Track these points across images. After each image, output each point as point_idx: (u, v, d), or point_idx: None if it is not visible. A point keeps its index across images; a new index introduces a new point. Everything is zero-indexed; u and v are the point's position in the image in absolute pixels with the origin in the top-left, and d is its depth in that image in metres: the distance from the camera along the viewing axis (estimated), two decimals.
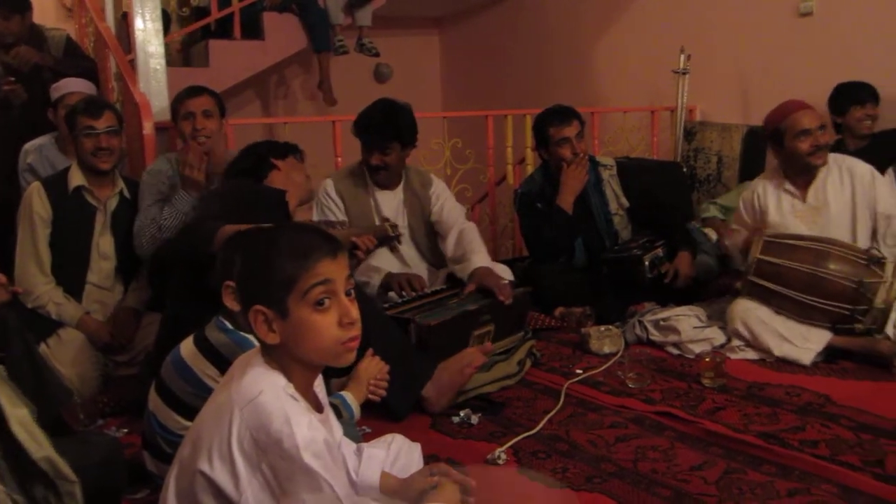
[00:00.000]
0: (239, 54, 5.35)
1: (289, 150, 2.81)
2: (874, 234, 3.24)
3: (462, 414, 2.57)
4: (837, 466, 2.11)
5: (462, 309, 2.86)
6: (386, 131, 3.34)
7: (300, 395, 1.45)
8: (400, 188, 3.50)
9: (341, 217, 3.44)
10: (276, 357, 1.47)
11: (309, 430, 1.38)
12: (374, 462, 1.74)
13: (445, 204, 3.50)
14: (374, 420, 2.50)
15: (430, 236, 3.51)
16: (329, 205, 3.44)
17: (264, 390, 1.40)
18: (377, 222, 3.43)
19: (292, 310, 1.42)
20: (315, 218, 3.46)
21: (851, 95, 3.99)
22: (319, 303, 1.43)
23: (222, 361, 1.99)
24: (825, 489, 2.00)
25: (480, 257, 3.21)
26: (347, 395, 2.19)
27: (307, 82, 6.78)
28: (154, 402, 2.12)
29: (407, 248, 3.47)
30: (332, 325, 1.43)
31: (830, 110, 4.07)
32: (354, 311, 1.46)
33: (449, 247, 3.38)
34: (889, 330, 2.96)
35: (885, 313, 2.89)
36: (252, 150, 2.82)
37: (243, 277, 1.49)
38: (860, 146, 3.79)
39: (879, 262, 2.94)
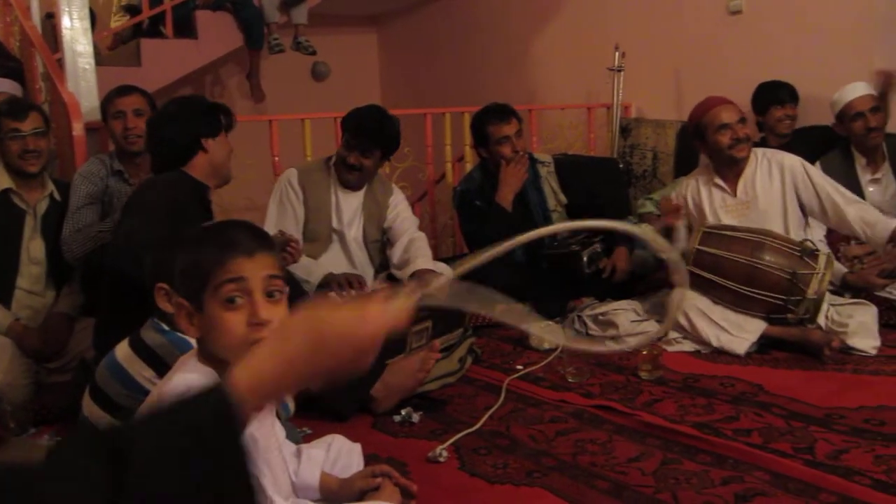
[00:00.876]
0: (171, 53, 5.27)
1: (219, 125, 2.68)
2: (804, 226, 3.34)
3: (403, 412, 2.56)
4: (769, 454, 2.15)
5: None
6: (375, 136, 3.40)
7: None
8: (362, 192, 3.53)
9: (299, 211, 3.42)
10: (209, 354, 1.47)
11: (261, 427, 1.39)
12: (314, 463, 1.73)
13: (401, 214, 3.56)
14: (315, 420, 2.48)
15: (381, 244, 3.56)
16: (289, 194, 3.44)
17: (192, 387, 1.39)
18: (334, 221, 3.43)
19: (206, 305, 1.42)
20: (273, 205, 3.45)
21: (770, 95, 4.10)
22: (230, 300, 1.40)
23: (158, 363, 1.96)
24: (758, 476, 2.05)
25: (423, 261, 3.26)
26: None
27: (243, 81, 6.69)
28: (88, 407, 2.08)
29: (358, 251, 3.50)
30: (240, 323, 1.40)
31: (753, 109, 4.17)
32: (265, 313, 1.40)
33: (396, 253, 3.43)
34: (821, 320, 3.05)
35: (817, 304, 2.97)
36: (183, 128, 2.63)
37: (177, 275, 1.48)
38: (781, 144, 3.89)
39: (812, 254, 3.02)
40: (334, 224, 3.47)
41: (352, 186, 3.47)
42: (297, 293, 2.57)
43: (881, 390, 2.60)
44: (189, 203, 2.52)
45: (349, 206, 3.49)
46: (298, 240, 3.13)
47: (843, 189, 3.28)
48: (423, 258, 3.29)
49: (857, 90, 3.62)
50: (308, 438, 2.17)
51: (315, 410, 2.50)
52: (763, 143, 4.00)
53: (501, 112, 3.78)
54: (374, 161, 3.43)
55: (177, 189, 2.54)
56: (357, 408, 2.58)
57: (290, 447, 1.75)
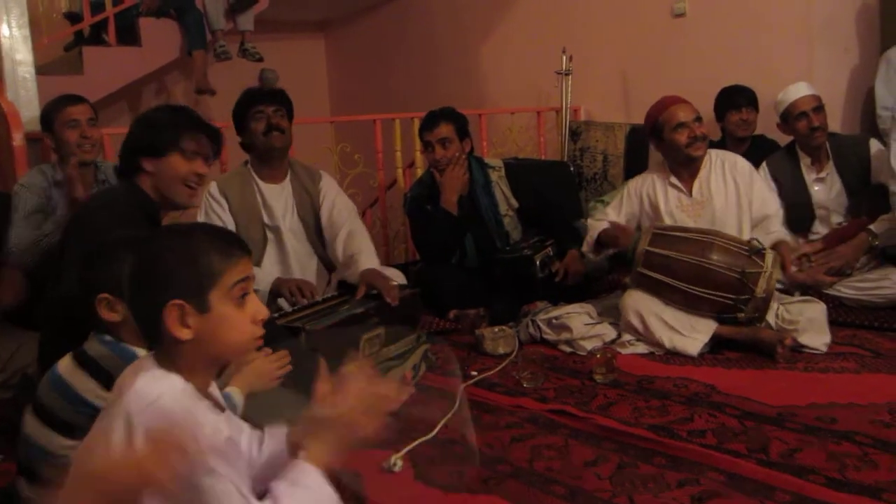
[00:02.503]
0: (114, 61, 5.16)
1: (168, 144, 2.43)
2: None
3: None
4: (724, 455, 2.15)
5: (349, 313, 2.83)
6: (276, 93, 3.42)
7: (201, 396, 1.42)
8: (287, 181, 3.45)
9: (227, 220, 3.34)
10: (175, 359, 1.42)
11: (214, 431, 1.35)
12: (277, 432, 1.67)
13: (336, 202, 3.46)
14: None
15: (321, 232, 3.47)
16: (213, 206, 3.36)
17: (163, 393, 1.36)
18: (265, 217, 3.37)
19: (214, 304, 1.41)
20: (202, 219, 3.36)
21: (728, 100, 4.15)
22: (241, 298, 1.44)
23: (104, 375, 1.90)
24: (712, 477, 2.04)
25: (367, 258, 3.20)
26: (233, 392, 2.12)
27: (189, 89, 6.58)
28: (31, 424, 2.01)
29: (297, 244, 3.42)
30: (248, 321, 1.44)
31: (714, 115, 4.21)
32: (265, 309, 1.48)
33: (338, 250, 3.35)
34: (771, 318, 3.08)
35: (766, 302, 2.99)
36: (128, 140, 2.49)
37: (147, 277, 1.43)
38: (739, 150, 3.93)
39: (760, 253, 3.04)
40: (266, 220, 3.39)
41: (279, 149, 3.37)
42: None
43: (832, 388, 2.63)
44: (130, 219, 2.40)
45: (277, 199, 3.41)
46: None
47: (774, 210, 3.39)
48: (364, 254, 3.23)
49: (800, 90, 3.67)
50: None
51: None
52: (723, 146, 4.03)
53: (430, 119, 3.79)
54: (285, 119, 3.38)
55: (119, 205, 2.43)
56: None
57: (255, 436, 1.69)
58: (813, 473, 2.01)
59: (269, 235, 3.40)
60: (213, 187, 3.39)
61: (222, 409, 1.51)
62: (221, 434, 1.37)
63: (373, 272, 3.09)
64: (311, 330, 2.66)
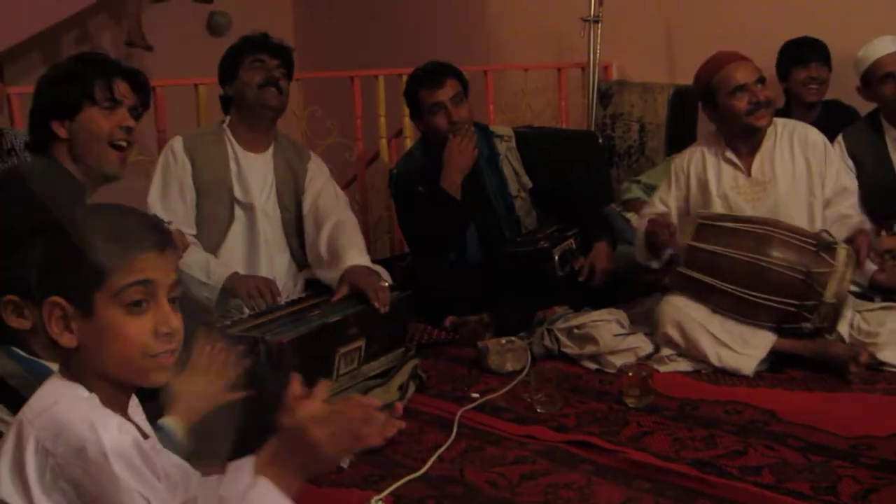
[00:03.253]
0: (22, 3, 5.18)
1: (83, 97, 2.48)
2: None
3: None
4: (783, 496, 2.22)
5: (322, 321, 2.88)
6: (283, 49, 3.50)
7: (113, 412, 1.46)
8: (269, 153, 3.51)
9: (188, 188, 3.39)
10: (77, 371, 1.47)
11: (120, 433, 1.40)
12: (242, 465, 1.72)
13: (325, 188, 3.51)
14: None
15: (299, 221, 3.52)
16: (172, 167, 3.40)
17: (59, 400, 1.42)
18: (237, 190, 3.43)
19: (99, 309, 1.43)
20: (155, 184, 3.40)
21: (792, 54, 4.20)
22: (136, 304, 1.44)
23: (11, 396, 1.94)
24: None
25: (355, 254, 3.22)
26: (170, 422, 2.16)
27: (119, 38, 6.61)
28: None
29: (269, 228, 3.46)
30: (145, 332, 1.45)
31: (777, 74, 4.25)
32: (176, 321, 1.48)
33: (321, 244, 3.37)
34: (843, 329, 3.13)
35: (837, 309, 3.05)
36: (36, 103, 2.57)
37: (43, 267, 1.47)
38: (808, 118, 3.97)
39: (830, 248, 3.09)
40: (237, 194, 3.42)
41: (275, 109, 3.45)
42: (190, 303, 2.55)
43: None
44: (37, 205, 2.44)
45: (255, 172, 3.46)
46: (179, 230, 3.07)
47: (850, 202, 3.42)
48: (353, 250, 3.25)
49: (887, 46, 3.72)
50: None
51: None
52: (787, 114, 4.07)
53: (434, 73, 3.82)
54: (283, 77, 3.44)
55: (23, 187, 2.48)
56: None
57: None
58: None
59: (238, 213, 3.44)
60: (177, 143, 3.45)
61: (145, 437, 1.55)
62: (128, 437, 1.41)
63: (359, 270, 3.12)
64: (273, 342, 2.71)
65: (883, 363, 3.06)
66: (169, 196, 3.38)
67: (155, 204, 3.35)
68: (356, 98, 4.73)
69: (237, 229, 3.43)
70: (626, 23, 5.18)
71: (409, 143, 4.58)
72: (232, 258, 3.38)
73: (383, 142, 4.87)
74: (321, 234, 3.38)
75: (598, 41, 5.07)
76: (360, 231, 3.49)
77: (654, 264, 3.49)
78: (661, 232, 3.27)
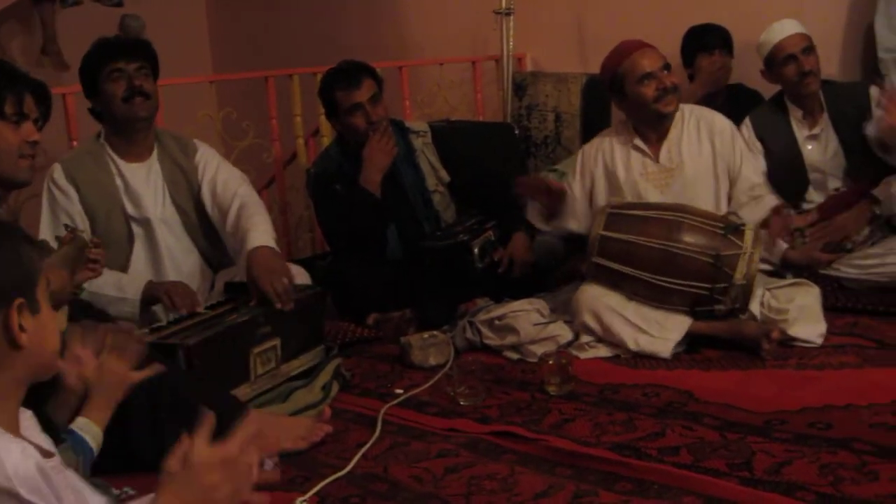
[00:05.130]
0: None
1: (2, 109, 2.48)
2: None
3: None
4: (700, 475, 2.26)
5: (234, 322, 2.86)
6: (137, 45, 3.36)
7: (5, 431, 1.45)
8: (153, 158, 3.39)
9: (78, 215, 3.30)
10: None
11: (23, 457, 1.38)
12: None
13: (219, 173, 3.42)
14: (141, 476, 2.45)
15: (204, 219, 3.44)
16: (59, 199, 3.28)
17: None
18: (128, 207, 3.33)
19: (42, 304, 1.47)
20: (45, 218, 3.31)
21: (697, 41, 4.27)
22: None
23: None
24: (688, 502, 2.14)
25: (258, 235, 3.12)
26: (83, 424, 2.14)
27: (30, 45, 6.49)
28: None
29: (172, 239, 3.38)
30: (55, 325, 1.52)
31: (682, 60, 4.33)
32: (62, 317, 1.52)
33: (231, 236, 3.30)
34: (754, 308, 3.20)
35: (747, 290, 3.12)
36: None
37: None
38: (713, 102, 4.04)
39: (738, 231, 3.16)
40: (130, 211, 3.33)
41: (143, 118, 3.31)
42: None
43: (827, 386, 2.77)
44: None
45: (143, 182, 3.35)
46: (99, 240, 3.02)
47: (759, 183, 3.50)
48: (256, 230, 3.14)
49: (787, 28, 3.80)
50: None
51: (138, 468, 2.48)
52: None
53: (350, 73, 3.80)
54: (149, 79, 3.30)
55: None
56: None
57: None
58: (802, 490, 2.13)
59: (136, 230, 3.35)
60: (56, 172, 3.30)
61: (50, 455, 1.53)
62: (32, 461, 1.40)
63: (257, 263, 3.01)
64: (191, 346, 2.69)
65: (794, 338, 3.12)
66: (60, 230, 3.27)
67: (46, 235, 3.19)
68: (271, 98, 4.71)
69: (139, 247, 3.33)
70: (538, 14, 5.22)
71: (326, 142, 4.57)
72: (142, 274, 3.30)
73: (300, 141, 4.84)
74: (228, 221, 3.29)
75: (511, 33, 5.10)
76: (263, 206, 3.39)
77: (544, 226, 3.65)
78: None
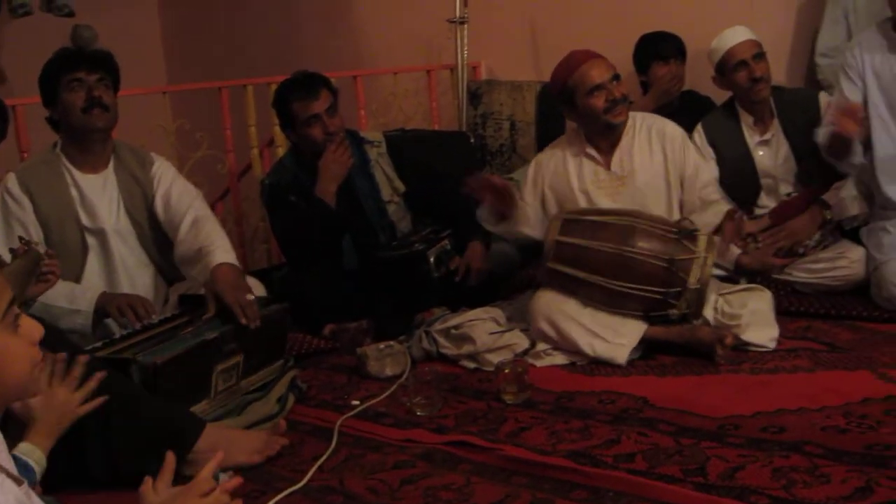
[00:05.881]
0: None
1: None
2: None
3: None
4: (655, 481, 2.27)
5: (199, 339, 2.84)
6: (99, 57, 3.32)
7: None
8: (109, 169, 3.38)
9: (32, 226, 3.27)
10: None
11: (1, 491, 1.36)
12: None
13: (173, 187, 3.41)
14: (99, 492, 2.44)
15: (159, 232, 3.42)
16: (12, 209, 3.25)
17: None
18: (83, 218, 3.31)
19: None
20: None
21: (652, 49, 4.31)
22: (16, 320, 1.44)
23: None
24: None
25: (221, 252, 3.12)
26: (26, 450, 2.12)
27: None
28: None
29: (125, 250, 3.36)
30: (27, 344, 1.45)
31: (635, 68, 4.37)
32: (39, 325, 1.49)
33: (183, 243, 3.27)
34: (708, 313, 3.23)
35: (701, 295, 3.14)
36: None
37: None
38: (665, 110, 4.08)
39: (691, 236, 3.18)
40: (85, 221, 3.31)
41: (102, 128, 3.30)
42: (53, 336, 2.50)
43: (780, 391, 2.79)
44: None
45: (99, 193, 3.34)
46: (53, 252, 2.99)
47: (711, 188, 3.54)
48: (217, 248, 3.13)
49: (738, 35, 3.84)
50: None
51: (91, 486, 2.46)
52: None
53: (306, 85, 3.79)
54: (108, 90, 3.29)
55: None
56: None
57: None
58: (756, 494, 2.14)
59: (91, 241, 3.33)
60: (10, 181, 3.27)
61: (20, 482, 1.52)
62: (12, 496, 1.38)
63: (222, 279, 3.00)
64: (147, 363, 2.66)
65: (747, 343, 3.16)
66: (14, 240, 3.24)
67: (1, 254, 3.13)
68: (225, 109, 4.69)
69: (93, 258, 3.31)
70: (492, 23, 5.24)
71: (280, 153, 4.55)
72: (96, 286, 3.26)
73: (255, 152, 4.82)
74: (179, 233, 3.28)
75: (466, 42, 5.12)
76: (218, 223, 3.38)
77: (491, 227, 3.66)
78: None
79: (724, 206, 3.49)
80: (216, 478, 2.49)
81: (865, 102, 3.54)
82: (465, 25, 5.10)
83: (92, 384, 2.31)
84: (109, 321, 3.19)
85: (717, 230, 3.35)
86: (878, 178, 3.56)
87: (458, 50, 5.13)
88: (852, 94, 3.54)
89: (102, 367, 2.60)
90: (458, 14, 5.09)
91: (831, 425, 2.49)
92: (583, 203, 3.49)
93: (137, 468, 2.50)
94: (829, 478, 2.19)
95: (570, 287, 3.24)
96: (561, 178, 3.56)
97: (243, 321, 2.92)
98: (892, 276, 3.35)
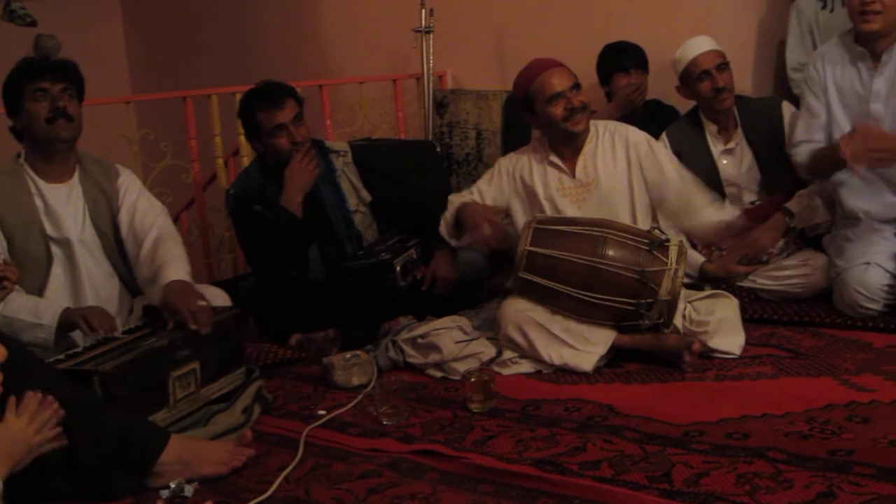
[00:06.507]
0: None
1: None
2: (654, 212, 3.55)
3: (173, 484, 2.52)
4: (620, 488, 2.28)
5: (149, 346, 2.83)
6: (64, 67, 3.30)
7: None
8: (75, 180, 3.36)
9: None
10: None
11: None
12: None
13: (139, 202, 3.41)
14: None
15: (122, 244, 3.41)
16: None
17: None
18: (48, 228, 3.27)
19: None
20: None
21: (614, 60, 4.35)
22: None
23: None
24: None
25: (175, 268, 3.13)
26: None
27: None
28: None
29: (91, 262, 3.34)
30: None
31: (598, 78, 4.40)
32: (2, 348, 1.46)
33: (144, 262, 3.28)
34: (677, 321, 3.25)
35: (672, 305, 3.16)
36: None
37: None
38: (630, 119, 4.10)
39: (662, 246, 3.19)
40: (49, 231, 3.28)
41: (67, 139, 3.28)
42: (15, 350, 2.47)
43: (745, 397, 2.82)
44: None
45: (64, 203, 3.31)
46: (10, 260, 2.95)
47: (689, 177, 3.54)
48: (173, 263, 3.15)
49: (701, 45, 3.88)
50: None
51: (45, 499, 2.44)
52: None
53: (272, 94, 3.79)
54: (74, 101, 3.27)
55: None
56: (135, 487, 2.54)
57: None
58: (720, 500, 2.16)
59: (56, 251, 3.31)
60: None
61: None
62: None
63: (174, 290, 3.02)
64: (106, 372, 2.65)
65: (714, 350, 3.19)
66: None
67: None
68: (189, 118, 4.67)
69: (58, 269, 3.27)
70: (458, 32, 5.26)
71: (245, 162, 4.53)
72: (57, 298, 3.25)
73: (220, 161, 4.81)
74: (142, 251, 3.29)
75: (431, 51, 5.13)
76: (181, 241, 3.39)
77: (453, 242, 3.64)
78: (478, 217, 3.44)
79: (723, 215, 3.47)
80: (181, 489, 2.50)
81: (828, 115, 3.58)
82: (431, 35, 5.11)
83: (47, 417, 2.29)
84: (74, 333, 3.17)
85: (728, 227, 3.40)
86: (839, 189, 3.60)
87: (424, 59, 5.14)
88: (817, 108, 3.58)
89: (65, 379, 2.61)
90: (423, 23, 5.10)
91: (794, 431, 2.52)
92: (548, 210, 3.51)
93: (102, 483, 2.50)
94: (792, 483, 2.21)
95: (541, 296, 3.25)
96: (527, 186, 3.58)
97: (193, 327, 2.93)
98: (853, 283, 3.39)
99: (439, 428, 2.83)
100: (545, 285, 3.24)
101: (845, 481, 2.19)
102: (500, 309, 3.35)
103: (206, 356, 2.97)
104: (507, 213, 3.62)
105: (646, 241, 3.22)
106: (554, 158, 3.54)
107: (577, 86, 3.45)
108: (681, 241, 3.29)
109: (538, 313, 3.26)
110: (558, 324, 3.24)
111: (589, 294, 3.19)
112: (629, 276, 3.16)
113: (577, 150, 3.53)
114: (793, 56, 4.28)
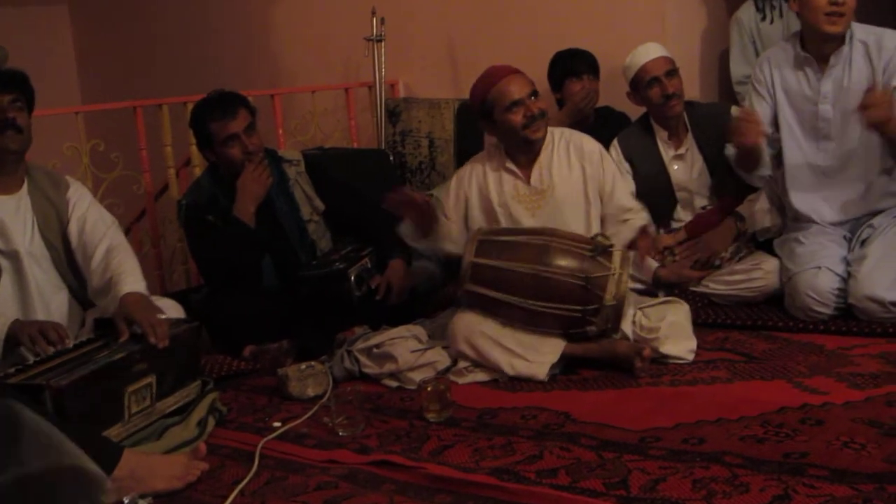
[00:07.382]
0: None
1: None
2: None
3: (127, 500, 2.48)
4: (577, 495, 2.27)
5: (106, 360, 2.78)
6: (12, 77, 3.24)
7: None
8: (23, 191, 3.31)
9: None
10: None
11: None
12: None
13: (89, 213, 3.36)
14: None
15: (73, 255, 3.35)
16: None
17: None
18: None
19: None
20: None
21: (565, 66, 4.36)
22: None
23: None
24: None
25: (129, 280, 3.10)
26: None
27: None
28: None
29: (39, 272, 3.29)
30: None
31: (549, 85, 4.40)
32: None
33: (95, 273, 3.24)
34: (626, 327, 3.25)
35: (618, 310, 3.16)
36: None
37: None
38: (581, 125, 4.12)
39: (606, 252, 3.20)
40: None
41: (16, 150, 3.24)
42: None
43: (700, 402, 2.82)
44: None
45: (12, 215, 3.27)
46: None
47: (628, 203, 3.56)
48: (129, 276, 3.11)
49: (650, 52, 3.90)
50: None
51: None
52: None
53: (224, 104, 3.75)
54: (24, 114, 3.23)
55: None
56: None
57: None
58: None
59: (4, 263, 3.26)
60: None
61: None
62: None
63: (132, 302, 2.99)
64: (52, 387, 2.59)
65: (666, 356, 3.19)
66: None
67: None
68: (140, 129, 4.62)
69: (6, 281, 3.23)
70: (409, 40, 5.26)
71: (197, 172, 4.49)
72: (6, 311, 3.19)
73: (171, 172, 4.76)
74: (92, 263, 3.25)
75: (383, 60, 5.11)
76: (133, 252, 3.34)
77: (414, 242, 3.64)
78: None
79: (638, 222, 3.51)
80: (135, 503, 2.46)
81: (776, 117, 3.61)
82: (383, 43, 5.11)
83: None
84: (23, 348, 3.12)
85: (632, 245, 3.37)
86: (788, 192, 3.64)
87: (376, 68, 5.12)
88: (761, 109, 3.61)
89: (14, 394, 2.55)
90: (374, 32, 5.10)
91: (749, 435, 2.53)
92: (503, 217, 3.50)
93: (50, 500, 2.44)
94: (747, 487, 2.22)
95: (489, 307, 3.24)
96: (483, 193, 3.57)
97: (152, 340, 2.89)
98: (804, 287, 3.42)
99: (395, 438, 2.81)
100: (492, 296, 3.22)
101: (800, 484, 2.20)
102: (450, 324, 3.33)
103: (163, 370, 2.93)
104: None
105: (590, 247, 3.22)
106: (510, 165, 3.53)
107: (535, 93, 3.44)
108: (624, 247, 3.30)
109: (487, 326, 3.24)
110: (508, 335, 3.23)
111: (536, 303, 3.18)
112: (574, 283, 3.16)
113: (533, 158, 3.52)
114: (737, 69, 4.34)
